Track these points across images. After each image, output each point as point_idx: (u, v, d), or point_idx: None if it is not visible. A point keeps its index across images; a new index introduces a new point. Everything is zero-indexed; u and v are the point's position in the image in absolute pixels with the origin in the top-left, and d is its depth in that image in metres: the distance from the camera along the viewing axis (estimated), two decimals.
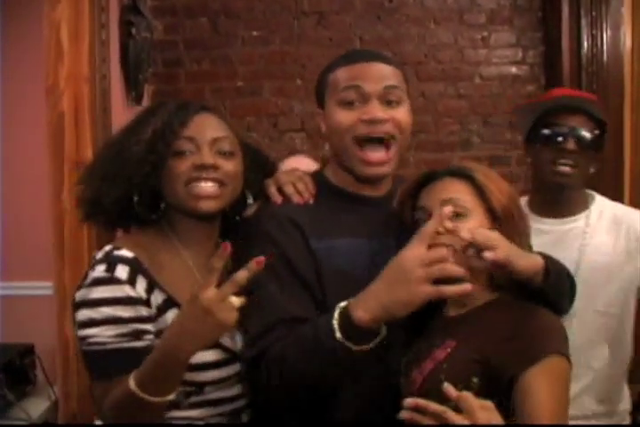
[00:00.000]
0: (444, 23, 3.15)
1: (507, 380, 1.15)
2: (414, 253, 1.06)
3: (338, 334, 1.08)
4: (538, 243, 1.35)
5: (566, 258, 1.41)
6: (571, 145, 1.56)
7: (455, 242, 1.20)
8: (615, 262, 1.61)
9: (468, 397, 1.00)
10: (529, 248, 1.29)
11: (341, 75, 1.31)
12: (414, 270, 1.05)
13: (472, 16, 3.16)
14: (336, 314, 1.10)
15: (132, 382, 1.11)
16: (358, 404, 1.28)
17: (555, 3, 2.95)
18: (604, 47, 2.80)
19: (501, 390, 1.17)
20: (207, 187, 1.27)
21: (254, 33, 3.16)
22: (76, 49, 2.23)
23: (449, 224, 1.20)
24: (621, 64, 2.80)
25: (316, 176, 1.41)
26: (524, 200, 1.67)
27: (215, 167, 1.27)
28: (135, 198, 1.28)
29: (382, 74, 1.31)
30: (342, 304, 1.11)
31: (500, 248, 1.16)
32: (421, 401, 1.00)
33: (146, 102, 3.06)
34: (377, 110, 1.28)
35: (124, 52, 2.73)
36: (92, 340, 1.19)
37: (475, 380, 1.18)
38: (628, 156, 2.81)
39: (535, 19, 3.14)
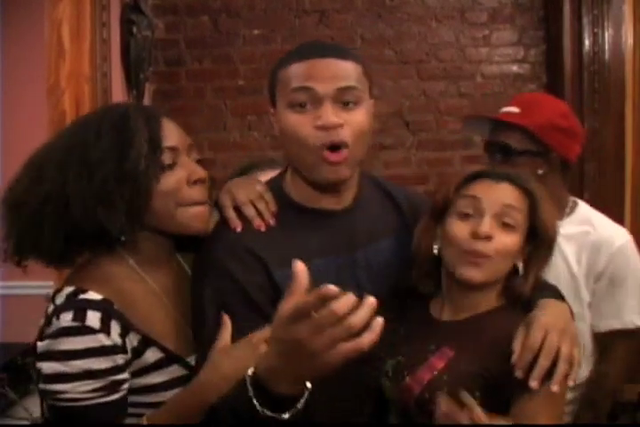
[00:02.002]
0: (445, 21, 3.15)
1: (507, 397, 1.14)
2: (299, 325, 0.85)
3: (258, 407, 0.93)
4: None
5: None
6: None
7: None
8: None
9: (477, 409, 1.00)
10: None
11: (292, 73, 1.18)
12: (312, 342, 0.84)
13: (473, 14, 3.15)
14: (250, 387, 0.93)
15: None
16: (336, 405, 1.21)
17: (556, 1, 2.94)
18: (606, 46, 2.79)
19: (502, 405, 1.15)
20: (198, 210, 1.19)
21: (255, 31, 3.16)
22: (77, 48, 2.24)
23: None
24: (623, 62, 2.79)
25: (275, 189, 1.29)
26: None
27: (205, 181, 1.19)
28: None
29: (337, 72, 1.16)
30: (249, 372, 0.94)
31: None
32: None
33: (147, 101, 3.06)
34: (329, 115, 1.15)
35: (125, 50, 2.73)
36: (62, 396, 1.08)
37: (477, 394, 1.15)
38: (630, 155, 2.80)
39: (537, 17, 3.13)
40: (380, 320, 0.84)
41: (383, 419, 1.30)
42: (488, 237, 1.19)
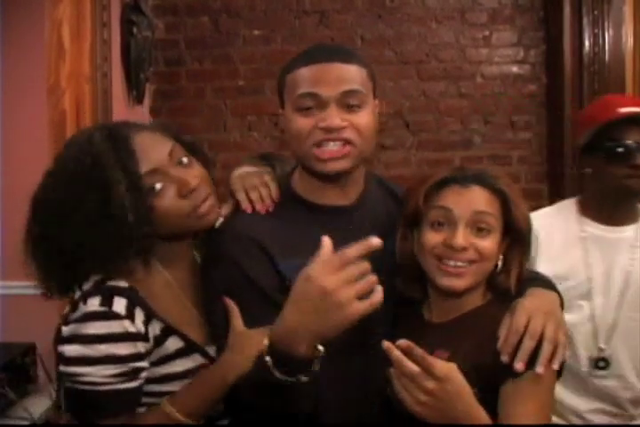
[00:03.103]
0: (445, 22, 3.15)
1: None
2: (330, 276, 0.95)
3: (277, 374, 1.00)
4: (588, 246, 1.49)
5: (614, 267, 1.56)
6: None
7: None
8: None
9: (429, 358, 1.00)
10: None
11: (299, 77, 1.23)
12: (340, 293, 0.94)
13: (473, 15, 3.16)
14: (267, 357, 1.01)
15: (175, 413, 1.13)
16: (342, 411, 1.24)
17: (556, 2, 2.95)
18: (606, 46, 2.80)
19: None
20: (207, 205, 1.20)
21: (255, 32, 3.16)
22: (78, 48, 2.24)
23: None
24: (623, 63, 2.79)
25: (283, 185, 1.35)
26: (564, 205, 1.73)
27: (200, 184, 1.20)
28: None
29: (341, 77, 1.22)
30: (266, 342, 1.01)
31: None
32: (411, 344, 0.99)
33: (147, 101, 3.06)
34: (333, 117, 1.20)
35: (126, 51, 2.73)
36: (84, 379, 1.11)
37: (475, 390, 1.13)
38: None
39: (537, 18, 3.13)
40: (379, 287, 0.96)
41: (391, 421, 1.29)
42: (464, 249, 1.19)
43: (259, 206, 1.29)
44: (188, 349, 1.21)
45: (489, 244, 1.21)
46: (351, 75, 1.23)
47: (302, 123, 1.23)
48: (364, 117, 1.24)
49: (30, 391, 2.07)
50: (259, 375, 1.03)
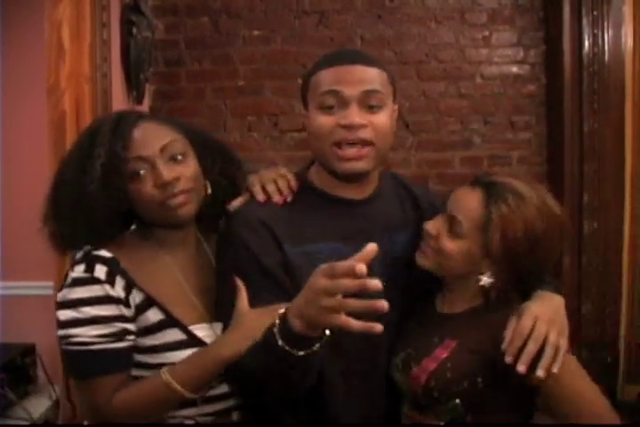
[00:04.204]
0: (445, 22, 3.15)
1: (516, 380, 1.18)
2: (320, 281, 0.98)
3: (280, 342, 1.07)
4: None
5: None
6: None
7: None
8: None
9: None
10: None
11: (322, 78, 1.29)
12: (319, 298, 0.99)
13: (473, 15, 3.15)
14: (277, 320, 1.09)
15: (172, 380, 1.20)
16: (351, 398, 1.30)
17: (556, 2, 2.95)
18: (606, 47, 2.80)
19: (508, 388, 1.20)
20: (178, 199, 1.26)
21: (255, 32, 3.16)
22: (77, 48, 2.23)
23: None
24: (622, 63, 2.79)
25: (300, 176, 1.41)
26: None
27: (177, 179, 1.25)
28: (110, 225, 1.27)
29: (363, 77, 1.27)
30: (282, 310, 1.09)
31: None
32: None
33: (147, 102, 3.06)
34: (355, 115, 1.26)
35: (125, 51, 2.73)
36: (74, 339, 1.22)
37: (479, 379, 1.21)
38: (629, 155, 2.81)
39: (536, 18, 3.13)
40: (378, 327, 0.96)
41: (397, 411, 1.34)
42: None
43: (276, 198, 1.34)
44: (168, 322, 1.26)
45: (450, 244, 1.26)
46: (373, 76, 1.29)
47: (324, 120, 1.28)
48: (383, 118, 1.30)
49: (30, 392, 2.07)
50: (265, 339, 1.11)
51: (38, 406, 2.01)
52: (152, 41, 2.94)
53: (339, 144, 1.27)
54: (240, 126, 3.17)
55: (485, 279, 1.26)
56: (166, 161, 1.26)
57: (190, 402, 1.25)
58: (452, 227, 1.25)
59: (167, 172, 1.24)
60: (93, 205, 1.23)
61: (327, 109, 1.27)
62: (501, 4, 3.15)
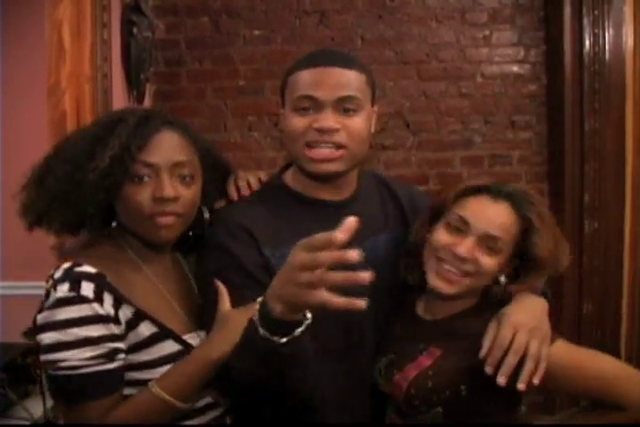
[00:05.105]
0: (445, 22, 3.15)
1: (493, 392, 1.16)
2: (299, 255, 0.91)
3: (261, 331, 1.00)
4: None
5: None
6: None
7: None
8: None
9: None
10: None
11: (299, 79, 1.28)
12: (299, 274, 0.91)
13: (474, 15, 3.15)
14: (257, 307, 1.03)
15: (161, 392, 1.15)
16: (336, 402, 1.28)
17: (556, 2, 2.95)
18: (606, 46, 2.80)
19: (493, 395, 1.18)
20: (166, 220, 1.21)
21: (256, 32, 3.16)
22: (78, 48, 2.24)
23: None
24: (623, 63, 2.79)
25: (275, 180, 1.40)
26: None
27: (176, 199, 1.21)
28: (88, 216, 1.22)
29: (340, 81, 1.25)
30: (260, 298, 1.03)
31: None
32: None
33: (147, 102, 3.06)
34: (328, 119, 1.24)
35: (126, 51, 2.73)
36: (63, 364, 1.13)
37: (463, 387, 1.18)
38: (630, 155, 2.80)
39: (537, 18, 3.13)
40: (361, 303, 0.88)
41: (383, 414, 1.33)
42: (464, 259, 1.20)
43: (244, 192, 1.35)
44: (162, 334, 1.22)
45: (490, 261, 1.22)
46: (349, 80, 1.26)
47: (297, 122, 1.27)
48: (358, 122, 1.27)
49: (30, 392, 2.07)
50: (247, 333, 1.05)
51: (39, 406, 2.01)
52: (152, 41, 2.94)
53: (310, 145, 1.26)
54: (240, 126, 3.17)
55: (502, 279, 1.26)
56: (174, 177, 1.22)
57: (185, 415, 1.21)
58: (488, 244, 1.22)
59: (170, 188, 1.20)
60: (85, 191, 1.18)
61: (302, 111, 1.27)
62: (502, 4, 3.15)
